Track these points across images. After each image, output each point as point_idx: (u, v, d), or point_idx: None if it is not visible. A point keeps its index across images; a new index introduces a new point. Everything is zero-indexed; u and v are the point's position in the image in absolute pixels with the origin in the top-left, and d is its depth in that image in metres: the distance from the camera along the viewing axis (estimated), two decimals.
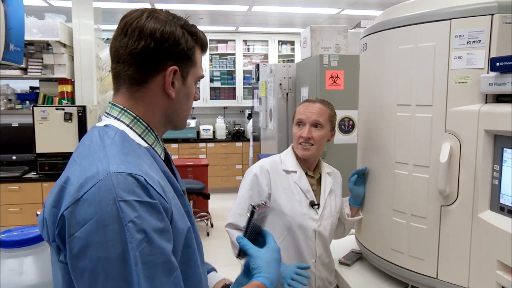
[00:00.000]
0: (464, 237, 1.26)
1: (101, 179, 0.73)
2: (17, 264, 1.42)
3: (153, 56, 0.85)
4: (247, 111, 6.78)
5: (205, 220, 4.99)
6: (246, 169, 6.79)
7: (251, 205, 1.02)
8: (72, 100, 4.09)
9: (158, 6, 4.88)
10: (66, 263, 0.75)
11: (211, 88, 6.91)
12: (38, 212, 0.93)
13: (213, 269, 1.17)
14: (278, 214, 1.56)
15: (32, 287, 1.40)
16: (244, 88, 6.95)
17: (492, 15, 1.19)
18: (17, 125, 4.04)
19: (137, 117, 0.89)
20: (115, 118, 0.88)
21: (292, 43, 7.04)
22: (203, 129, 6.70)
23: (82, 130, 3.69)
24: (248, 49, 7.03)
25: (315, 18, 5.82)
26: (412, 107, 1.38)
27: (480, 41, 1.22)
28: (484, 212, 1.21)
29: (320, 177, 1.67)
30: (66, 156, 3.65)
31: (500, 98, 1.20)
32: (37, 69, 3.97)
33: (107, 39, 4.87)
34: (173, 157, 4.08)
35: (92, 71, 4.07)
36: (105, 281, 0.71)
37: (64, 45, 4.01)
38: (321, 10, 5.31)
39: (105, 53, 3.91)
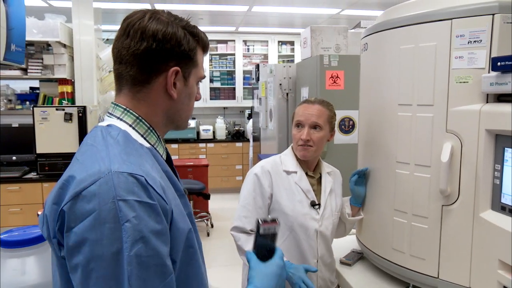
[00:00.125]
0: (465, 237, 1.26)
1: (102, 177, 0.73)
2: (20, 264, 1.42)
3: (155, 57, 0.86)
4: (247, 111, 6.78)
5: (205, 220, 4.99)
6: (246, 169, 6.74)
7: (257, 219, 1.03)
8: (72, 100, 4.09)
9: (158, 6, 4.89)
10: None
11: (211, 88, 6.90)
12: (39, 212, 0.93)
13: None
14: (280, 215, 1.56)
15: (35, 287, 1.40)
16: (244, 88, 6.95)
17: (493, 14, 1.19)
18: (17, 126, 4.03)
19: (140, 117, 0.89)
20: (118, 118, 0.89)
21: (292, 43, 7.03)
22: (203, 130, 6.70)
23: (82, 130, 3.69)
24: (248, 49, 7.03)
25: (315, 18, 5.82)
26: (413, 107, 1.38)
27: (481, 41, 1.22)
28: (485, 211, 1.21)
29: (320, 177, 1.67)
30: (67, 156, 3.65)
31: (501, 98, 1.20)
32: (37, 69, 3.97)
33: (107, 39, 4.87)
34: (173, 157, 4.07)
35: (92, 72, 4.08)
36: (97, 278, 0.71)
37: (64, 46, 4.00)
38: (321, 10, 5.31)
39: (105, 54, 3.90)
